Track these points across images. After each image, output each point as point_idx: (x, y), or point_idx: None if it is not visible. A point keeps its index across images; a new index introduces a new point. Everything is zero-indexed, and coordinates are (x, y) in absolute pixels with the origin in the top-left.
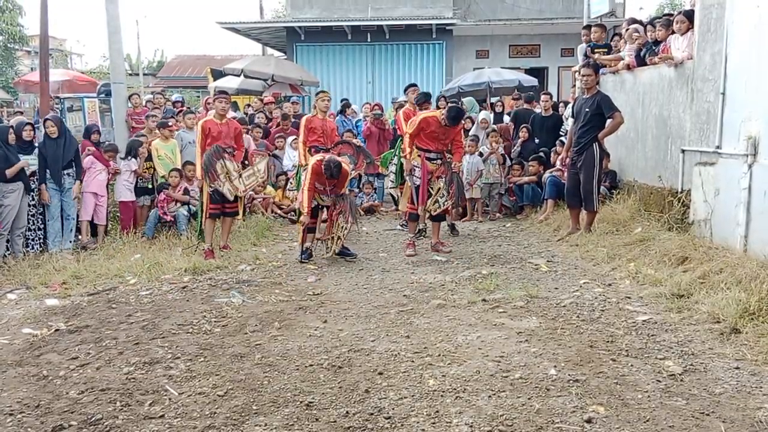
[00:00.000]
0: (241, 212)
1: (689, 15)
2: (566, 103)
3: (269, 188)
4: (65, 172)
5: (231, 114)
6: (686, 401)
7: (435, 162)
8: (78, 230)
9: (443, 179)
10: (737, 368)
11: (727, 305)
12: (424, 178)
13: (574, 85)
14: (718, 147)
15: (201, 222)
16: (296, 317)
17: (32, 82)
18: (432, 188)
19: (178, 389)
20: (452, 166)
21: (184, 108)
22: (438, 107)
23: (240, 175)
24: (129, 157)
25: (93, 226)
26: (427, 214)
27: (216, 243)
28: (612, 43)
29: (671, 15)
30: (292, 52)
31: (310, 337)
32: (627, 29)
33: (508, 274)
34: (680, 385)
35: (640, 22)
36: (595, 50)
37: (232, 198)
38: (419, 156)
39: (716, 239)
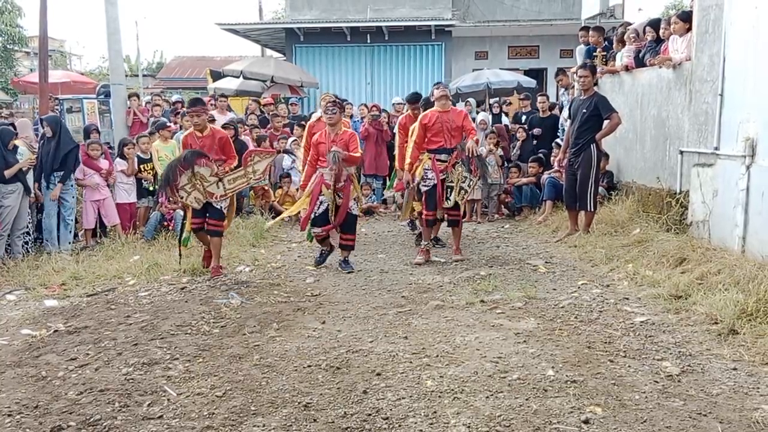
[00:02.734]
0: (228, 222)
1: (683, 17)
2: (561, 108)
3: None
4: (56, 173)
5: (230, 115)
6: (683, 402)
7: (445, 162)
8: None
9: (459, 163)
10: (734, 369)
11: (724, 306)
12: (438, 178)
13: (573, 86)
14: (716, 148)
15: (183, 236)
16: (295, 318)
17: (31, 83)
18: (452, 181)
19: (176, 390)
20: (465, 146)
21: (184, 109)
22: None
23: (221, 179)
24: (118, 158)
25: (103, 225)
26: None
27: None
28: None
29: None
30: (291, 54)
31: (308, 338)
32: (624, 32)
33: (507, 275)
34: (678, 386)
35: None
36: (594, 54)
37: (199, 206)
38: (429, 159)
39: (714, 240)
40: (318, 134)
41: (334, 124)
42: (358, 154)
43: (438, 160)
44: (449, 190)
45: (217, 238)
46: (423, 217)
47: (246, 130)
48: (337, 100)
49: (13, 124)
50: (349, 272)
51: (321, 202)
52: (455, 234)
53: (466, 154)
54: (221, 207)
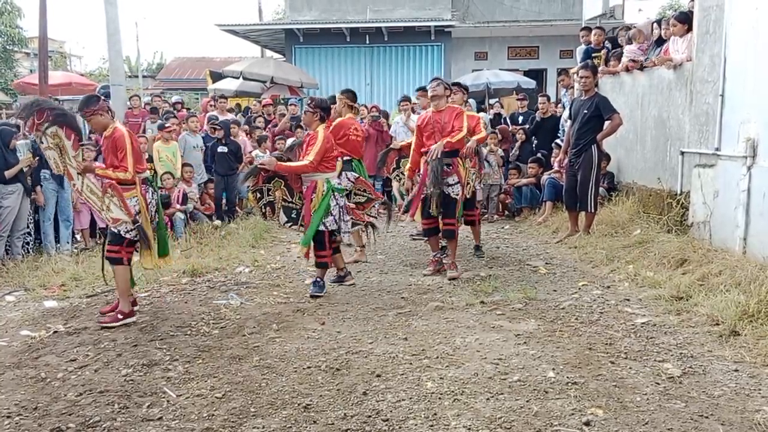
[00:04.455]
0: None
1: (681, 18)
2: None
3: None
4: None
5: (229, 116)
6: (685, 404)
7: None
8: (74, 234)
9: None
10: (736, 370)
11: (726, 307)
12: (421, 184)
13: (573, 87)
14: (717, 149)
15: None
16: (294, 319)
17: (31, 85)
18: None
19: (176, 391)
20: (429, 151)
21: (184, 110)
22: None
23: (82, 177)
24: None
25: (101, 229)
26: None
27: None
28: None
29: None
30: (290, 54)
31: (308, 339)
32: (627, 34)
33: (507, 277)
34: (679, 388)
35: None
36: (593, 55)
37: (56, 170)
38: (424, 164)
39: (715, 241)
40: None
41: (307, 125)
42: (298, 164)
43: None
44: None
45: (117, 267)
46: (422, 225)
47: (240, 129)
48: (311, 102)
49: (18, 125)
50: (313, 295)
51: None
52: (450, 247)
53: (431, 157)
54: (118, 230)
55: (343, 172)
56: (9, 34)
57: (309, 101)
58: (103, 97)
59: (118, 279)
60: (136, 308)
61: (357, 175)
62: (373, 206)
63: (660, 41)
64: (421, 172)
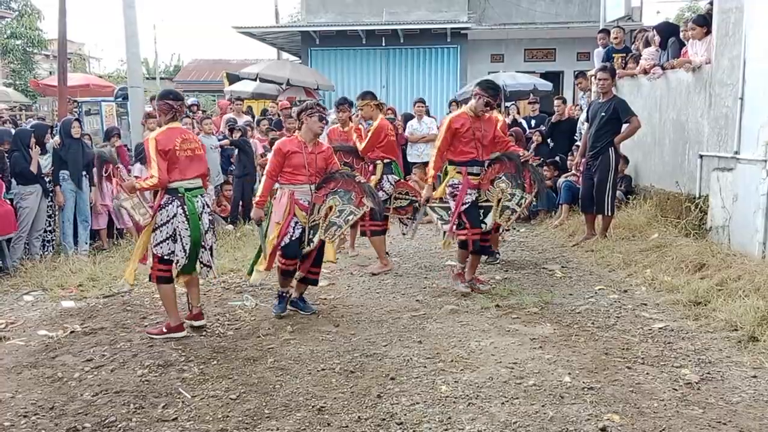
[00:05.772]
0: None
1: (699, 22)
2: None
3: None
4: (84, 173)
5: (245, 118)
6: (703, 410)
7: (478, 177)
8: (94, 234)
9: (503, 178)
10: (755, 377)
11: (744, 313)
12: (461, 195)
13: (590, 89)
14: (736, 152)
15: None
16: (309, 321)
17: (50, 86)
18: (488, 200)
19: (191, 392)
20: (513, 156)
21: (200, 112)
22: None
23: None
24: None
25: (119, 230)
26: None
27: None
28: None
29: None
30: (306, 57)
31: (322, 341)
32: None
33: (522, 280)
34: (697, 394)
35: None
36: (614, 55)
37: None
38: (459, 173)
39: (734, 246)
40: (286, 140)
41: (320, 134)
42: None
43: (470, 174)
44: (482, 210)
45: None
46: (469, 238)
47: (253, 133)
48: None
49: (52, 127)
50: (311, 314)
51: (295, 225)
52: (475, 260)
53: (516, 168)
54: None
55: (384, 176)
56: (29, 36)
57: (321, 107)
58: (171, 98)
59: (160, 295)
60: (201, 321)
61: (397, 178)
62: (416, 209)
63: (663, 45)
64: (461, 183)
